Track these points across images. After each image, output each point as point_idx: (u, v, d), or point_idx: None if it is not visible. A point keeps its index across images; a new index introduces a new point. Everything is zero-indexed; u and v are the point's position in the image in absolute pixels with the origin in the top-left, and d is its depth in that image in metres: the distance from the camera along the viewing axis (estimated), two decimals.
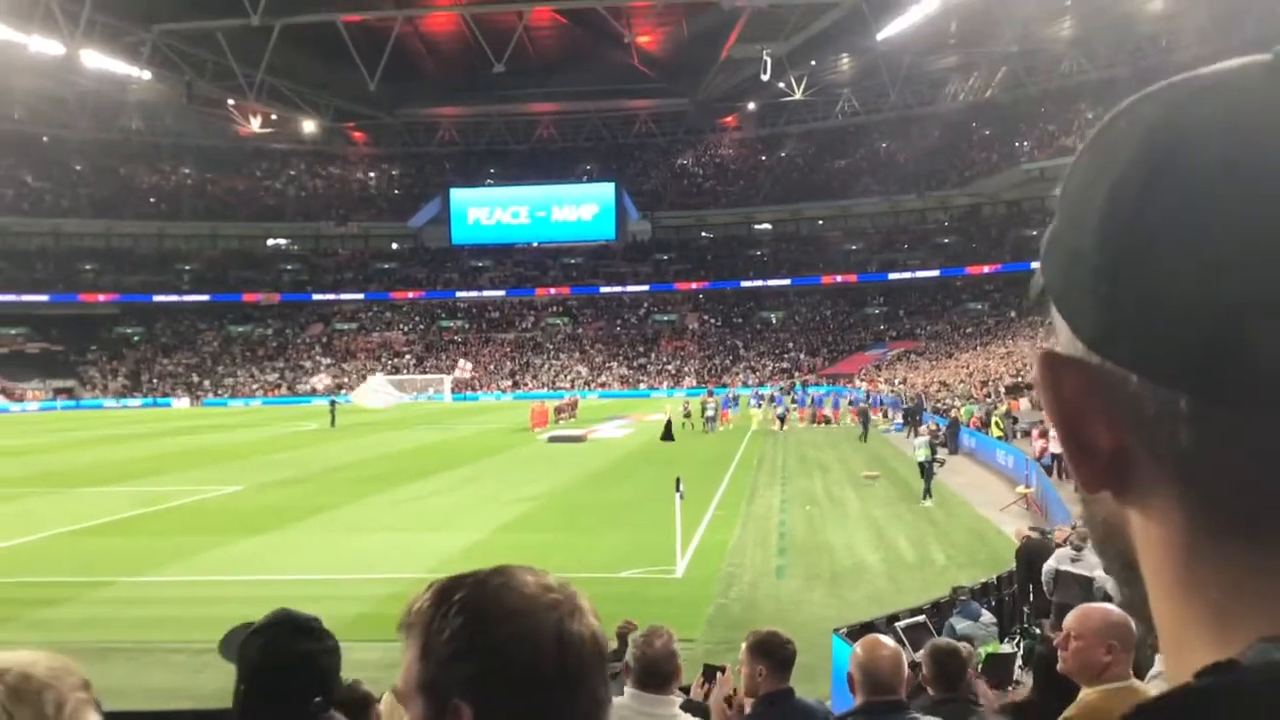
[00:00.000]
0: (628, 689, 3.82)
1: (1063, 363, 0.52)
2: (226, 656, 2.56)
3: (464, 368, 79.83)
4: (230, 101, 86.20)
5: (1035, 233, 75.22)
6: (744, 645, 4.49)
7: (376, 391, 57.65)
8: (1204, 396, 0.46)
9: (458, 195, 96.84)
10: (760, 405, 48.40)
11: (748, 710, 4.41)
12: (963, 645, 5.93)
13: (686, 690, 5.89)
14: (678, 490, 16.19)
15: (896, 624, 9.54)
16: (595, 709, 1.22)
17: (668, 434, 38.04)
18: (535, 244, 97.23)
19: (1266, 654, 0.43)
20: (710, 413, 43.00)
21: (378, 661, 9.15)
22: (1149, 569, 0.51)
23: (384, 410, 54.66)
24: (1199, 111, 0.48)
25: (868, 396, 53.88)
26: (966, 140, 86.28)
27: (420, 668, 1.19)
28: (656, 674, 3.78)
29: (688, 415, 44.08)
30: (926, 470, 23.29)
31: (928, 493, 22.97)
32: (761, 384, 71.81)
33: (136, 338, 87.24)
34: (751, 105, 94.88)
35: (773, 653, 4.27)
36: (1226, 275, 0.45)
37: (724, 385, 69.81)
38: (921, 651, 5.52)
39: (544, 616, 1.20)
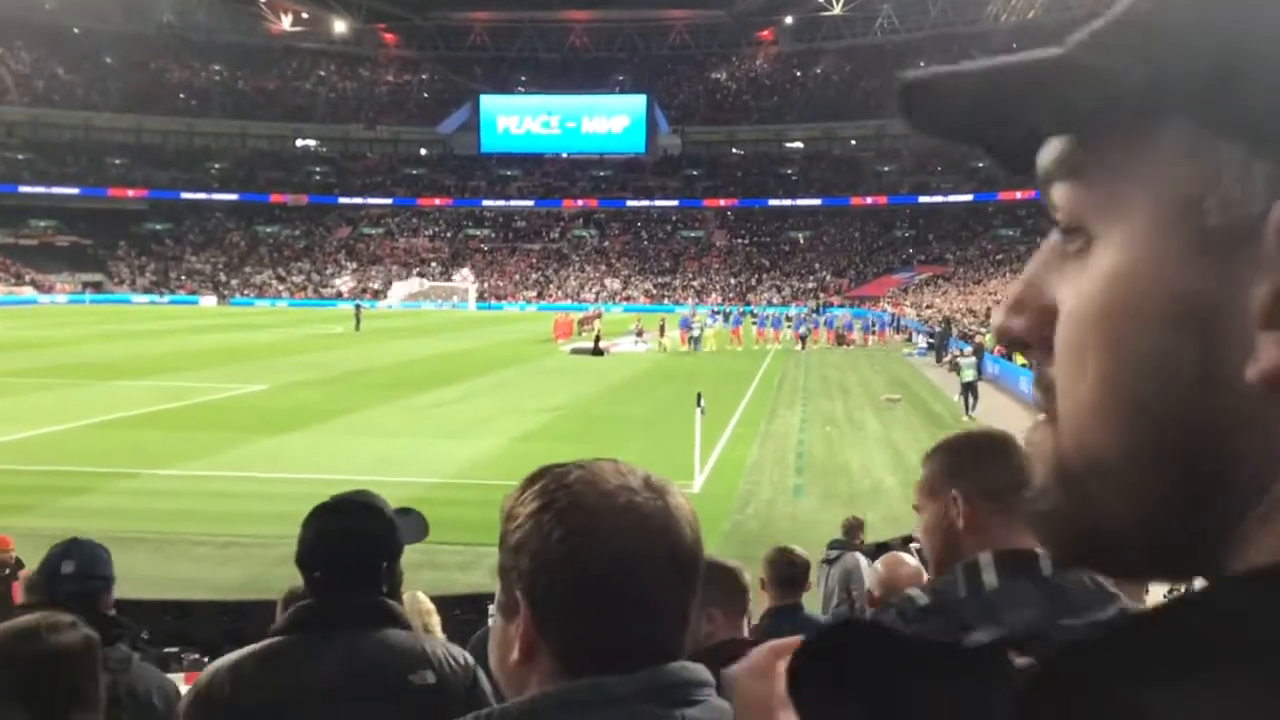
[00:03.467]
0: None
1: None
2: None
3: (465, 277, 79.22)
4: None
5: None
6: (763, 561, 4.55)
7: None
8: None
9: (488, 102, 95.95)
10: (715, 322, 46.93)
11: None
12: None
13: None
14: (699, 405, 16.21)
15: (912, 544, 9.58)
16: (662, 620, 1.14)
17: (596, 349, 37.68)
18: (564, 155, 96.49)
19: None
20: (696, 331, 41.46)
21: None
22: None
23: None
24: None
25: (894, 319, 53.65)
26: None
27: (500, 553, 1.18)
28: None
29: (640, 334, 42.29)
30: (973, 388, 24.01)
31: (970, 409, 23.80)
32: (785, 304, 71.54)
33: (165, 234, 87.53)
34: (789, 19, 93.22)
35: (782, 568, 4.31)
36: None
37: (705, 304, 69.22)
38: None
39: (613, 518, 1.12)
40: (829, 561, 7.52)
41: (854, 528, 9.14)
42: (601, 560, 1.11)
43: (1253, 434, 0.41)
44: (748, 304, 70.52)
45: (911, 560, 4.08)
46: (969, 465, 2.07)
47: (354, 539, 2.43)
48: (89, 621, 2.55)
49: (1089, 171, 0.48)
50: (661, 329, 42.09)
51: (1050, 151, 0.50)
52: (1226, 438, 0.42)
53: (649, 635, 1.13)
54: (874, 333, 48.38)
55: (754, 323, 49.62)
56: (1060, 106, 0.48)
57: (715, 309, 58.89)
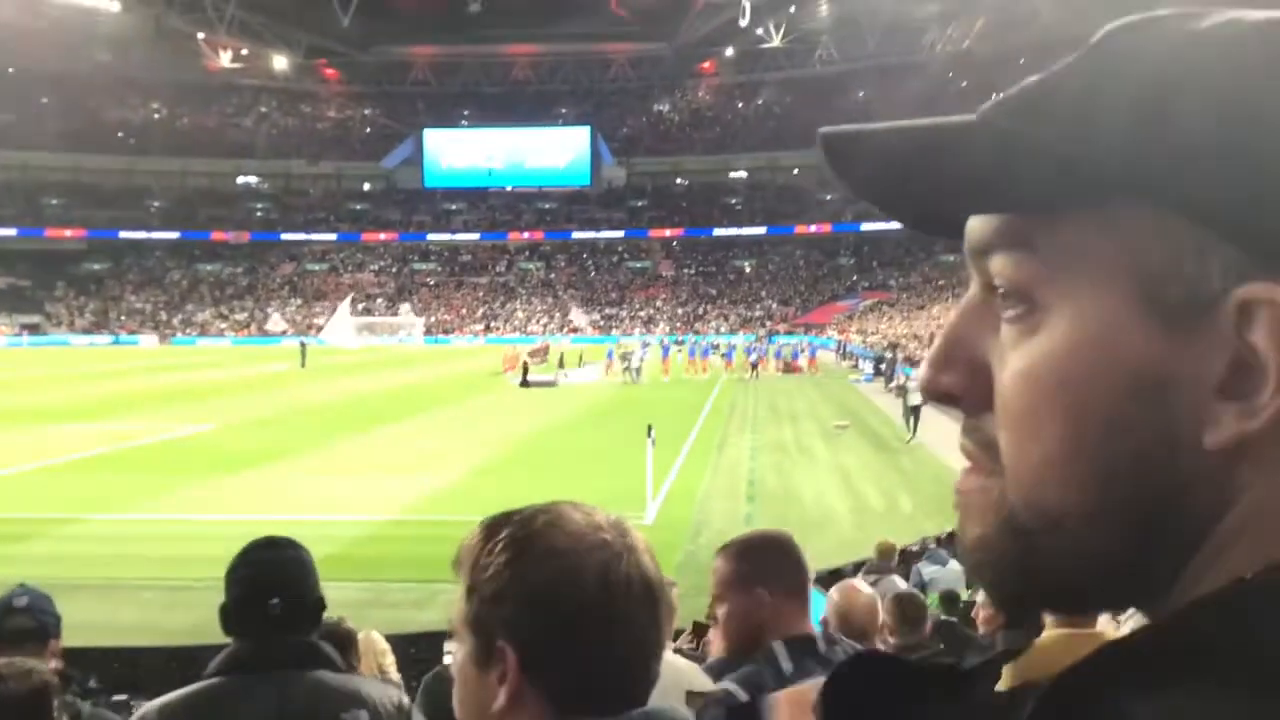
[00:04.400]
0: None
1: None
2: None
3: (409, 313, 78.64)
4: (200, 35, 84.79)
5: None
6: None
7: (343, 329, 56.58)
8: None
9: (431, 136, 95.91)
10: (646, 354, 45.63)
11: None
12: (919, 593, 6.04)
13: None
14: (649, 436, 16.25)
15: (861, 572, 9.66)
16: (644, 653, 1.17)
17: (524, 380, 38.04)
18: (509, 188, 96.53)
19: None
20: (636, 363, 40.98)
21: (348, 600, 9.18)
22: (1254, 515, 0.47)
23: (353, 350, 54.06)
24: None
25: (840, 346, 53.99)
26: (944, 92, 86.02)
27: (466, 605, 1.18)
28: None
29: (561, 365, 41.96)
30: (917, 412, 24.15)
31: (913, 432, 23.96)
32: (731, 332, 71.92)
33: (104, 274, 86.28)
34: (729, 51, 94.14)
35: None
36: None
37: (650, 334, 69.64)
38: (885, 598, 5.60)
39: (588, 557, 1.15)
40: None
41: (888, 552, 9.30)
42: (588, 599, 1.13)
43: (1209, 492, 0.46)
44: (681, 334, 70.70)
45: (866, 589, 4.11)
46: (772, 566, 2.41)
47: (282, 581, 2.44)
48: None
49: (1037, 244, 0.50)
50: (609, 361, 42.20)
51: (987, 221, 0.52)
52: (1184, 496, 0.47)
53: (637, 670, 1.16)
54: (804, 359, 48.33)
55: (689, 352, 49.08)
56: (992, 179, 0.50)
57: (645, 341, 58.25)
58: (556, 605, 1.13)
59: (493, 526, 1.22)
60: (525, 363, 39.78)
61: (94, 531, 14.75)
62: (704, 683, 3.69)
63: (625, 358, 42.06)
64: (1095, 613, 0.53)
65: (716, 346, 51.52)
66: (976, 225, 0.53)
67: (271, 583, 2.43)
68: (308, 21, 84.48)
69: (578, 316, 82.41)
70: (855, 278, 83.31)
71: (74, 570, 12.33)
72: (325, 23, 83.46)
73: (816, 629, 2.47)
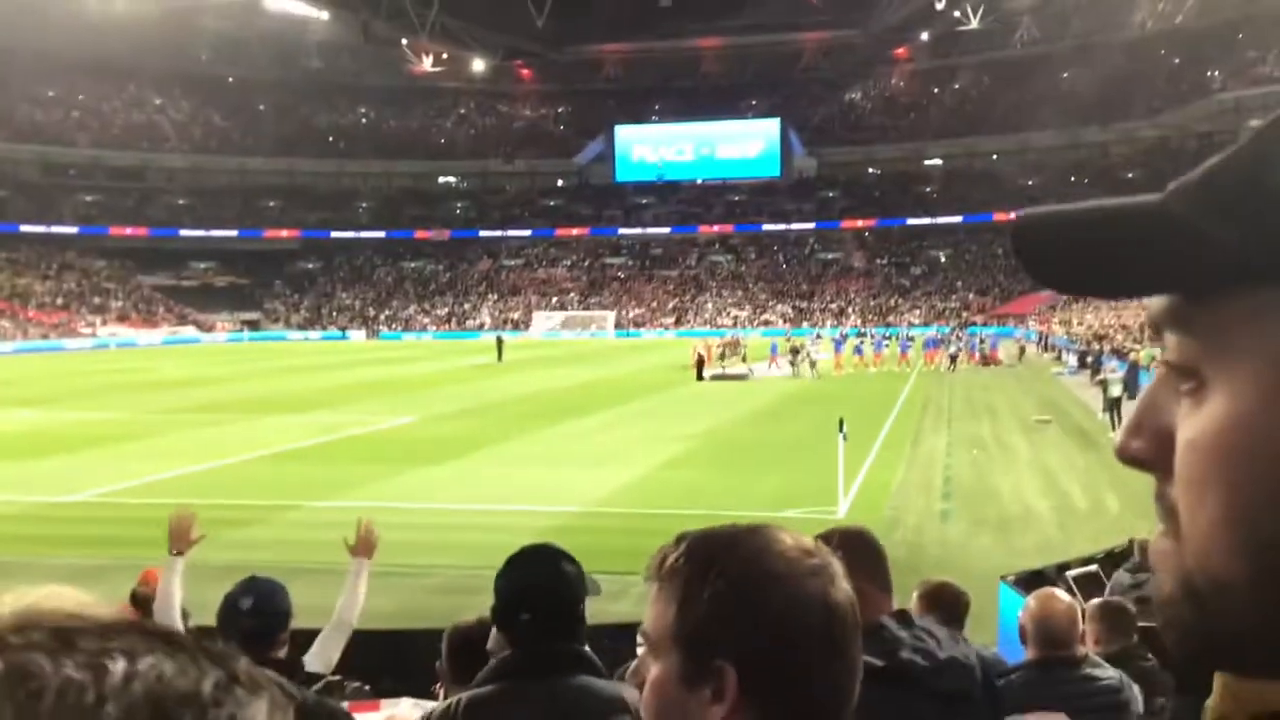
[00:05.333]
0: None
1: None
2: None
3: (605, 319, 79.81)
4: (404, 41, 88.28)
5: None
6: (914, 594, 4.44)
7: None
8: None
9: (622, 132, 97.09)
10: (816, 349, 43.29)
11: None
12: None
13: None
14: (840, 431, 16.03)
15: (1067, 573, 9.29)
16: (854, 676, 1.21)
17: (699, 373, 38.06)
18: (699, 181, 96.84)
19: None
20: (806, 358, 40.09)
21: None
22: None
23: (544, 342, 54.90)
24: None
25: (1041, 337, 52.00)
26: (1153, 70, 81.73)
27: (679, 622, 1.18)
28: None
29: (706, 360, 40.25)
30: (1118, 405, 23.29)
31: (1116, 427, 22.63)
32: (925, 324, 70.24)
33: (317, 273, 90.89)
34: (925, 35, 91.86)
35: (945, 605, 4.22)
36: None
37: (810, 326, 68.54)
38: (1091, 604, 5.37)
39: (809, 583, 1.18)
40: None
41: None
42: (814, 624, 1.16)
43: None
44: (860, 326, 69.36)
45: (1065, 596, 3.95)
46: (857, 557, 2.32)
47: (552, 589, 2.52)
48: (261, 663, 2.69)
49: (1198, 324, 0.53)
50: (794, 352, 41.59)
51: (1158, 301, 0.55)
52: None
53: (848, 695, 1.19)
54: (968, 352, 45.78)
55: (872, 345, 47.46)
56: (1161, 262, 0.53)
57: (817, 334, 56.36)
58: (785, 630, 1.15)
59: (703, 545, 1.22)
60: (701, 356, 39.74)
61: (311, 518, 15.54)
62: None
63: (795, 351, 41.48)
64: (1265, 677, 0.53)
65: (887, 339, 49.86)
66: (1154, 303, 0.56)
67: (525, 596, 2.52)
68: (504, 23, 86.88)
69: (769, 309, 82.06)
70: None
71: (294, 554, 13.03)
72: (521, 24, 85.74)
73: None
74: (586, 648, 2.59)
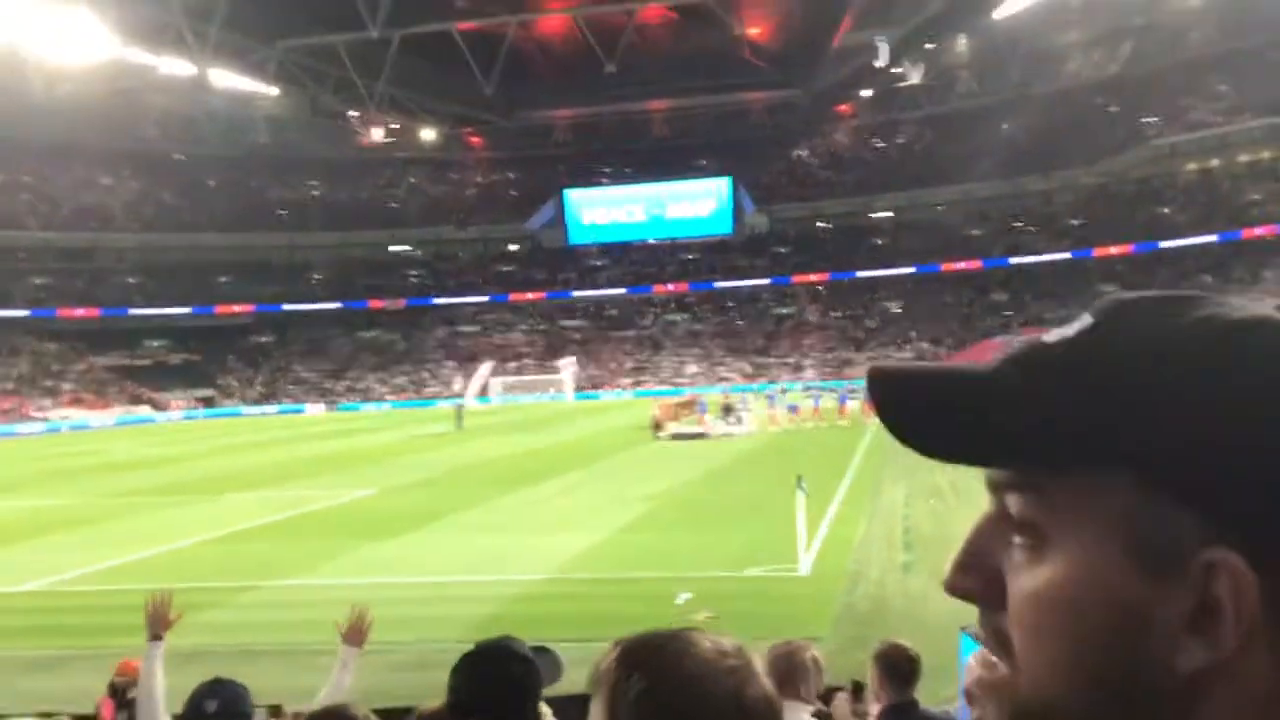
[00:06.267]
0: None
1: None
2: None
3: (568, 364, 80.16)
4: (352, 113, 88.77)
5: (1167, 210, 72.25)
6: (871, 655, 4.56)
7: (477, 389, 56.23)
8: None
9: (573, 196, 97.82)
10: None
11: None
12: None
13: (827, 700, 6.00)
14: (800, 486, 16.16)
15: None
16: None
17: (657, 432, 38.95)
18: (652, 241, 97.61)
19: None
20: (735, 415, 40.97)
21: None
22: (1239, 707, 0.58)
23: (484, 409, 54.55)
24: None
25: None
26: (1090, 118, 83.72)
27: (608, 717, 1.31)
28: (793, 687, 3.87)
29: (664, 419, 41.11)
30: None
31: None
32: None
33: (271, 347, 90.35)
34: (867, 92, 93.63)
35: (894, 666, 4.32)
36: None
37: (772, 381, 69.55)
38: None
39: (721, 682, 1.28)
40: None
41: None
42: (724, 716, 1.28)
43: (1180, 707, 0.58)
44: (840, 379, 69.99)
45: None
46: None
47: (503, 686, 2.58)
48: None
49: (1046, 490, 0.62)
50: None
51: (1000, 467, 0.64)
52: (1159, 708, 0.59)
53: None
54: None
55: (811, 399, 47.68)
56: (1003, 435, 0.61)
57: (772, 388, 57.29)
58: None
59: (629, 652, 1.34)
60: (655, 418, 40.19)
61: (271, 598, 15.42)
62: None
63: (727, 409, 42.01)
64: None
65: (825, 393, 50.12)
66: (992, 469, 0.65)
67: (474, 698, 2.58)
68: (452, 92, 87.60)
69: (727, 366, 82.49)
70: (1009, 313, 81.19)
71: (257, 636, 12.94)
72: (469, 92, 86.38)
73: None
74: None
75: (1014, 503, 0.63)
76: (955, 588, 0.66)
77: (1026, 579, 0.62)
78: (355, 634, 4.59)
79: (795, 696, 3.81)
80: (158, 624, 4.41)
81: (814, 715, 4.29)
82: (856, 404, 44.90)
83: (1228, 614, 0.56)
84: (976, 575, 0.65)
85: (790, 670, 3.86)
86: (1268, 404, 0.58)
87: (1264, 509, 0.57)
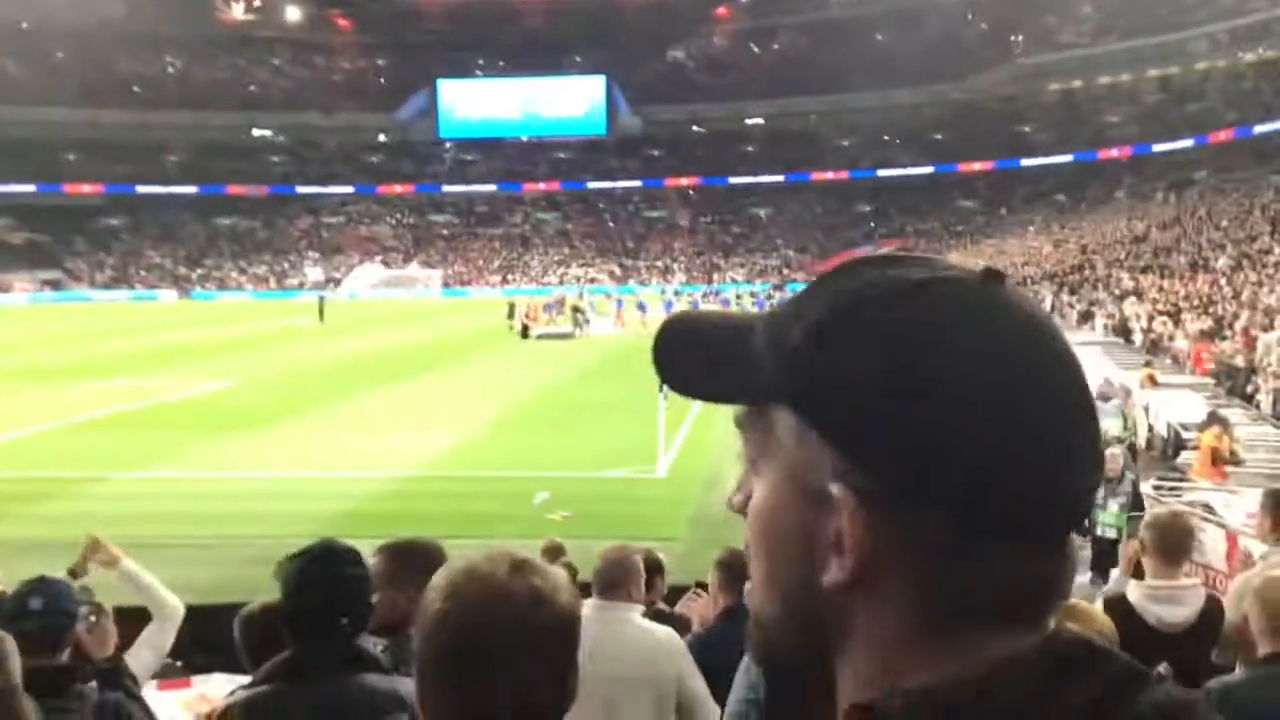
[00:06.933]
0: (590, 599, 3.97)
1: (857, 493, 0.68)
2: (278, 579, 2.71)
3: (429, 276, 78.64)
4: None
5: (1029, 129, 74.28)
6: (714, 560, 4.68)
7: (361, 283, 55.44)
8: (965, 521, 0.65)
9: (445, 87, 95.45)
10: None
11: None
12: None
13: (671, 603, 6.14)
14: (661, 391, 16.38)
15: None
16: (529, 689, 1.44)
17: (525, 332, 39.21)
18: (525, 138, 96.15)
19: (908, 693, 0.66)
20: (587, 314, 41.68)
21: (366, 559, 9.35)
22: (861, 635, 0.69)
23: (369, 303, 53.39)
24: (968, 318, 0.67)
25: None
26: (963, 34, 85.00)
27: None
28: (614, 587, 3.93)
29: (511, 317, 42.11)
30: None
31: None
32: (749, 280, 71.87)
33: (122, 229, 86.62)
34: None
35: (733, 570, 4.43)
36: (987, 446, 0.64)
37: (582, 283, 70.66)
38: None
39: (512, 603, 1.44)
40: None
41: None
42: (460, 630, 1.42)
43: (835, 617, 0.69)
44: (708, 283, 70.75)
45: None
46: (414, 570, 2.74)
47: (328, 588, 2.54)
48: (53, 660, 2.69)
49: (753, 429, 0.74)
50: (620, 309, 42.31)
51: (738, 408, 0.76)
52: (824, 616, 0.69)
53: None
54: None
55: (663, 304, 48.72)
56: (734, 377, 0.74)
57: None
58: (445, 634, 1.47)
59: (437, 578, 1.49)
60: (523, 319, 40.15)
61: (116, 490, 15.01)
62: (673, 649, 3.84)
63: (575, 310, 42.50)
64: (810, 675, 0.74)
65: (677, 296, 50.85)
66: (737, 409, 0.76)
67: (300, 595, 2.54)
68: None
69: (594, 267, 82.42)
70: (872, 225, 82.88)
71: (100, 528, 12.57)
72: None
73: None
74: (370, 643, 2.64)
75: (741, 438, 0.75)
76: (732, 505, 0.77)
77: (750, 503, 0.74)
78: (96, 559, 4.37)
79: (626, 598, 3.90)
80: (108, 557, 4.28)
81: (653, 615, 4.39)
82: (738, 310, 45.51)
83: (846, 536, 0.66)
84: (742, 498, 0.75)
85: (619, 574, 3.92)
86: (901, 364, 0.65)
87: (883, 457, 0.65)
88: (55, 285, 77.66)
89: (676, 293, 59.99)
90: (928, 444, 0.65)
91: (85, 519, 13.11)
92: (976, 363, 0.65)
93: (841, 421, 0.67)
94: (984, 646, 0.65)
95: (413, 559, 2.94)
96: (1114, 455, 10.31)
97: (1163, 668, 3.34)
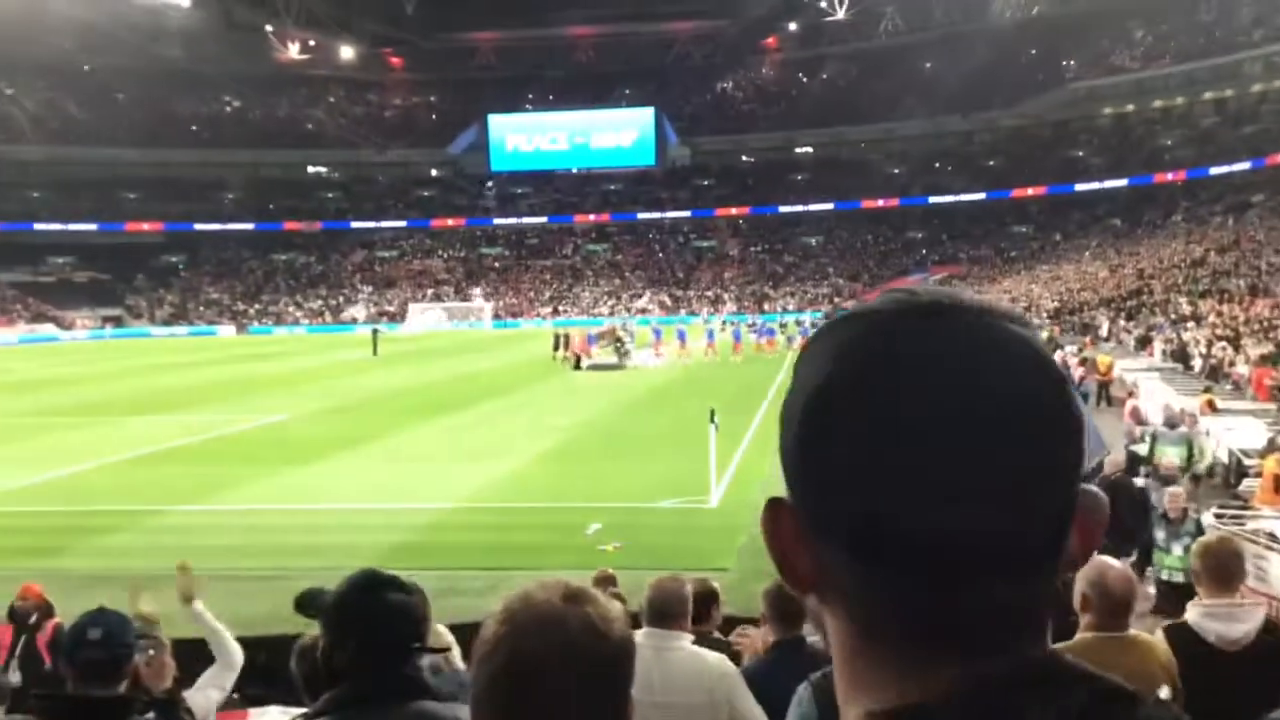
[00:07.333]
0: (642, 629, 3.99)
1: (784, 506, 0.74)
2: (307, 614, 2.70)
3: (482, 307, 79.46)
4: (268, 27, 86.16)
5: (1082, 154, 73.46)
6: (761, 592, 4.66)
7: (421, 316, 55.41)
8: (857, 555, 0.68)
9: (496, 121, 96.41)
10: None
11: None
12: None
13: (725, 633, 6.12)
14: (712, 421, 16.33)
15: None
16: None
17: (577, 363, 39.17)
18: (575, 170, 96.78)
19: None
20: (628, 344, 41.40)
21: None
22: (832, 646, 0.74)
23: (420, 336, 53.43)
24: (855, 354, 0.69)
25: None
26: (1013, 60, 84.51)
27: None
28: (666, 616, 3.95)
29: (557, 348, 42.02)
30: None
31: None
32: (799, 310, 71.61)
33: (182, 266, 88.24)
34: (793, 25, 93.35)
35: (780, 604, 4.41)
36: (865, 485, 0.66)
37: (630, 314, 70.69)
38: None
39: (569, 630, 1.45)
40: None
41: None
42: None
43: (826, 634, 0.75)
44: (745, 312, 70.59)
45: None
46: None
47: (379, 615, 2.55)
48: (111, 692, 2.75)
49: None
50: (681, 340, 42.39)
51: None
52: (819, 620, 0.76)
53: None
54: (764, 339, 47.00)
55: (751, 332, 49.25)
56: None
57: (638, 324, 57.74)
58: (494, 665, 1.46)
59: (502, 605, 1.50)
60: (574, 349, 40.19)
61: (175, 523, 15.22)
62: (724, 672, 3.83)
63: (616, 340, 42.29)
64: None
65: (723, 326, 50.88)
66: None
67: (349, 626, 2.54)
68: (373, 10, 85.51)
69: (644, 298, 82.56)
70: (924, 251, 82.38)
71: (158, 560, 12.75)
72: (390, 11, 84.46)
73: None
74: (421, 673, 2.64)
75: None
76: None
77: None
78: (181, 580, 4.68)
79: (677, 627, 3.92)
80: (186, 591, 4.60)
81: (706, 645, 4.38)
82: (783, 339, 45.81)
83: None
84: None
85: (670, 604, 3.96)
86: (800, 399, 0.71)
87: (794, 490, 0.72)
88: (117, 322, 79.18)
89: (724, 322, 59.86)
90: (816, 480, 0.68)
91: (145, 552, 13.34)
92: (851, 401, 0.67)
93: (781, 451, 0.72)
94: (926, 673, 0.67)
95: None
96: (1175, 494, 9.97)
97: (1164, 692, 3.29)
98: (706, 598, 5.54)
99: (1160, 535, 9.50)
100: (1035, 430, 0.67)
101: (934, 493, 0.65)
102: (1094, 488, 0.67)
